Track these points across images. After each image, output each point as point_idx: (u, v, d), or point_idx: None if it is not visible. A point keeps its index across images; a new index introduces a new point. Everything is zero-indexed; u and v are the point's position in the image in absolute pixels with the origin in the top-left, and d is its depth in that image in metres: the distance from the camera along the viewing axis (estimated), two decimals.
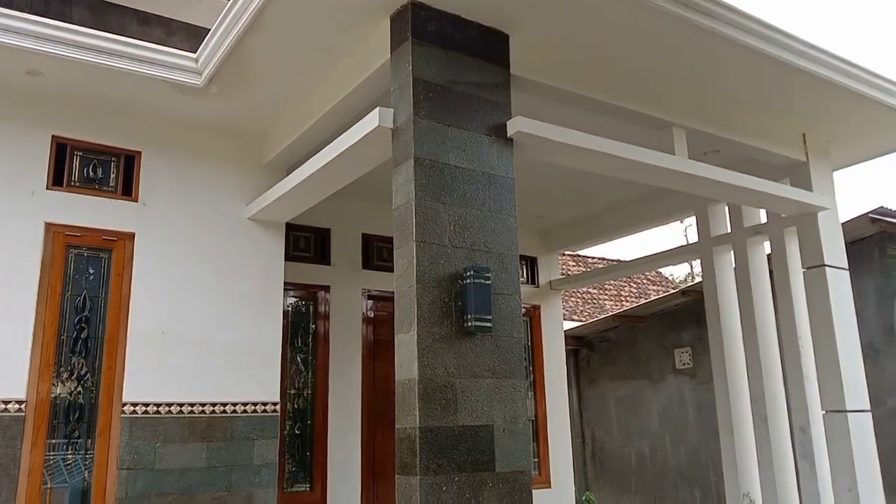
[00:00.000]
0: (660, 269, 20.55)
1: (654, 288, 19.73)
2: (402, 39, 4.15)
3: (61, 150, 5.23)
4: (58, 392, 4.97)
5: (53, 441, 4.92)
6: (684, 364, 10.76)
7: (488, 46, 4.39)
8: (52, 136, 5.19)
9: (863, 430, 5.71)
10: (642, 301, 14.58)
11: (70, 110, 5.26)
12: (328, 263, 7.31)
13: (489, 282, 3.92)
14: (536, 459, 8.44)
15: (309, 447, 6.93)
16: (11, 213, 4.93)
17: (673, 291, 11.95)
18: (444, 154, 4.04)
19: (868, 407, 5.81)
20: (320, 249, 7.34)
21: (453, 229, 3.96)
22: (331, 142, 4.74)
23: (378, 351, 7.37)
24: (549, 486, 8.39)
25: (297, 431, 6.92)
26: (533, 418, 8.53)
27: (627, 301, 18.55)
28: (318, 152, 4.91)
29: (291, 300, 7.04)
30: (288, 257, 6.38)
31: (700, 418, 10.28)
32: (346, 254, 7.44)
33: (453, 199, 4.01)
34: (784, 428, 6.40)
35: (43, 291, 4.98)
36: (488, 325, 3.87)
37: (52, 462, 4.89)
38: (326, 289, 7.25)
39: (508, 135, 4.32)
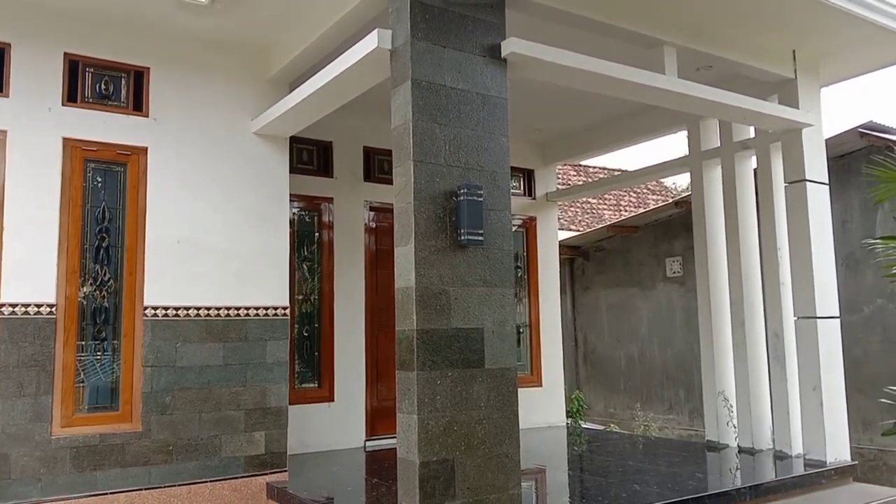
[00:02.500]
0: (661, 179, 20.73)
1: (654, 198, 19.98)
2: None
3: (74, 67, 5.42)
4: (84, 297, 5.37)
5: (83, 343, 5.36)
6: (674, 272, 11.20)
7: None
8: (65, 53, 5.38)
9: (830, 335, 6.15)
10: (641, 211, 14.91)
11: (80, 27, 5.42)
12: (331, 176, 7.60)
13: (481, 198, 4.23)
14: (529, 362, 8.97)
15: (317, 348, 7.44)
16: (31, 129, 5.19)
17: (665, 203, 12.25)
18: (440, 75, 4.26)
19: (837, 314, 6.23)
20: (323, 162, 7.61)
21: (448, 149, 4.24)
22: (334, 56, 4.94)
23: (380, 260, 7.76)
24: (541, 385, 8.98)
25: (305, 333, 7.41)
26: (527, 323, 9.02)
27: (626, 211, 18.86)
28: (321, 66, 5.11)
29: (297, 211, 7.37)
30: (292, 170, 6.68)
31: (687, 323, 10.80)
32: (348, 166, 7.72)
33: (449, 120, 4.26)
34: (760, 332, 6.85)
35: (65, 203, 5.30)
36: (480, 238, 4.21)
37: (83, 360, 5.35)
38: (330, 200, 7.57)
39: (502, 55, 4.53)
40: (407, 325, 4.08)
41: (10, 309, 5.04)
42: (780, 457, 6.41)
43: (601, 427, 10.64)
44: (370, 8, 4.78)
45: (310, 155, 7.52)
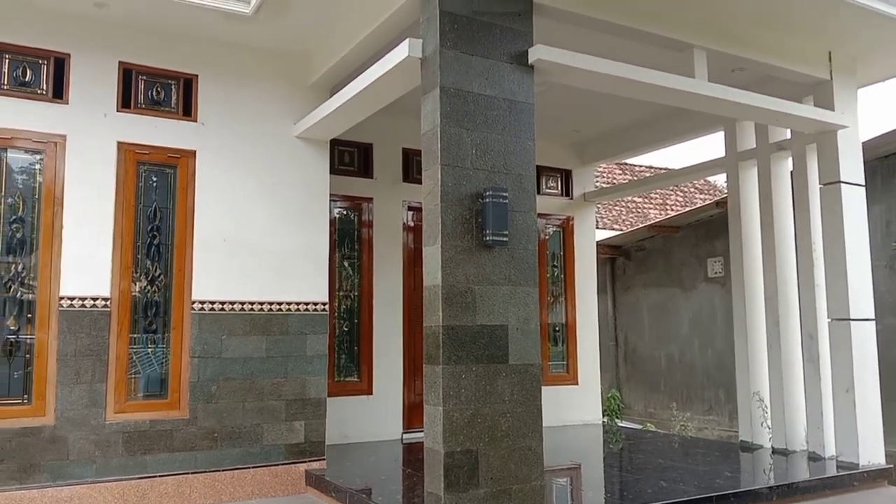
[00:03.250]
0: (709, 178, 20.45)
1: (701, 197, 19.74)
2: None
3: (128, 75, 5.78)
4: (136, 291, 5.73)
5: (135, 335, 5.72)
6: (716, 273, 11.14)
7: None
8: (120, 62, 5.74)
9: (864, 337, 6.12)
10: (689, 209, 14.81)
11: (134, 38, 5.77)
12: (371, 177, 7.86)
13: (507, 200, 4.40)
14: (565, 360, 9.09)
15: (357, 342, 7.71)
16: (88, 133, 5.56)
17: (706, 203, 12.17)
18: (467, 82, 4.44)
19: (872, 317, 6.19)
20: (363, 163, 7.87)
21: (475, 153, 4.42)
22: (370, 63, 5.17)
23: (417, 257, 7.98)
24: (577, 384, 9.08)
25: (345, 329, 7.68)
26: (564, 322, 9.13)
27: (673, 210, 18.69)
28: (358, 73, 5.35)
29: (338, 211, 7.65)
30: (334, 171, 6.95)
31: (728, 324, 10.68)
32: (387, 167, 7.97)
33: (476, 125, 4.44)
34: (794, 333, 6.84)
35: (119, 203, 5.67)
36: (505, 239, 4.38)
37: (135, 351, 5.71)
38: (370, 200, 7.83)
39: (529, 62, 4.68)
40: (434, 322, 4.27)
41: (69, 301, 5.42)
42: (814, 458, 6.40)
43: (637, 426, 10.67)
44: (404, 18, 4.99)
45: (351, 157, 7.79)
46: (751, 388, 7.21)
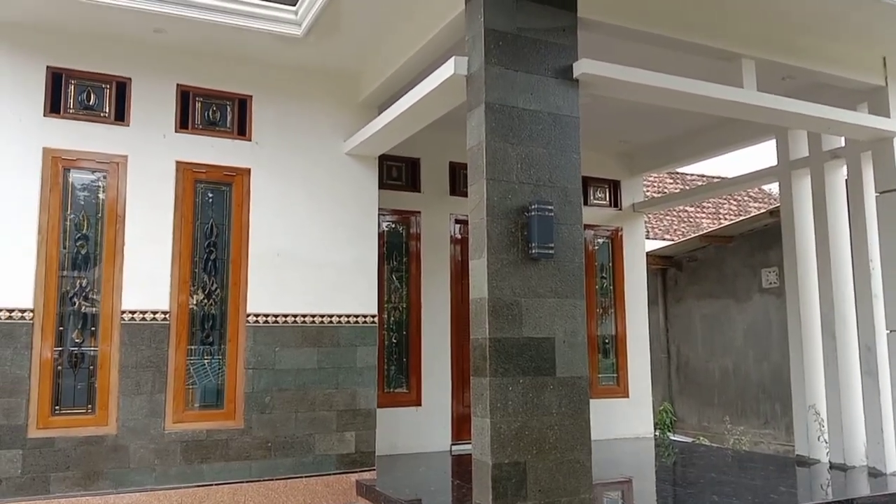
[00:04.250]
0: (762, 187, 20.03)
1: (756, 205, 19.31)
2: None
3: (185, 97, 6.03)
4: (194, 304, 5.94)
5: (192, 347, 5.92)
6: (771, 283, 10.91)
7: None
8: (177, 85, 5.99)
9: None
10: (742, 219, 14.54)
11: (191, 61, 6.02)
12: (418, 190, 7.97)
13: (552, 213, 4.43)
14: (615, 373, 9.01)
15: (405, 354, 7.80)
16: (148, 153, 5.82)
17: (759, 212, 11.94)
18: (512, 98, 4.50)
19: None
20: (411, 178, 8.00)
21: (520, 167, 4.47)
22: (417, 81, 5.28)
23: (464, 269, 8.03)
24: (628, 396, 8.99)
25: (394, 340, 7.79)
26: (613, 334, 9.06)
27: (725, 219, 18.32)
28: (405, 91, 5.47)
29: (387, 224, 7.77)
30: (382, 185, 7.08)
31: (784, 336, 10.40)
32: (434, 181, 8.07)
33: (521, 139, 4.49)
34: (851, 345, 6.66)
35: (177, 220, 5.89)
36: (550, 252, 4.41)
37: (192, 363, 5.91)
38: (417, 213, 7.94)
39: (574, 76, 4.71)
40: (480, 334, 4.32)
41: (130, 315, 5.65)
42: (874, 474, 6.21)
43: (690, 440, 10.49)
44: (449, 37, 5.09)
45: (399, 171, 7.92)
46: (807, 400, 7.04)
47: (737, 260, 11.62)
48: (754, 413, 11.23)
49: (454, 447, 7.77)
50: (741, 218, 14.13)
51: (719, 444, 10.09)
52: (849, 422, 6.59)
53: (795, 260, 7.20)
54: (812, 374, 7.01)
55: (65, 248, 5.58)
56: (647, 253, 9.67)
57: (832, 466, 6.65)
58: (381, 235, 7.52)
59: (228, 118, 6.17)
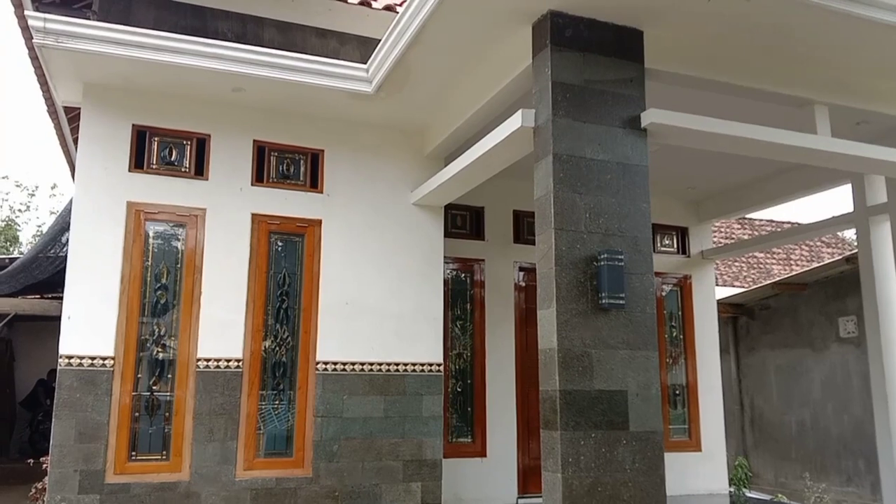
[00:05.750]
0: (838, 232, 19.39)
1: (829, 251, 18.69)
2: (542, 46, 4.65)
3: (261, 152, 6.27)
4: (265, 352, 6.06)
5: (263, 393, 6.03)
6: (849, 332, 10.46)
7: (623, 44, 4.76)
8: (254, 140, 6.24)
9: None
10: (815, 265, 14.07)
11: (266, 118, 6.28)
12: (482, 239, 8.02)
13: (622, 263, 4.39)
14: (686, 425, 8.73)
15: (470, 403, 7.75)
16: (227, 206, 6.04)
17: (834, 259, 11.52)
18: (580, 148, 4.52)
19: None
20: (475, 226, 8.07)
21: (589, 216, 4.46)
22: (482, 134, 5.36)
23: (529, 317, 7.99)
24: (700, 450, 8.68)
25: (458, 389, 7.75)
26: (684, 385, 8.81)
27: (798, 265, 17.76)
28: (471, 143, 5.56)
29: (451, 272, 7.82)
30: (447, 234, 7.15)
31: (865, 388, 9.98)
32: (498, 229, 8.11)
33: (589, 189, 4.49)
34: None
35: (252, 270, 6.07)
36: (621, 302, 4.35)
37: (263, 409, 6.01)
38: (481, 262, 7.98)
39: (642, 126, 4.70)
40: (550, 386, 4.27)
41: (205, 363, 5.81)
42: None
43: (768, 497, 10.00)
44: (515, 91, 5.18)
45: (463, 220, 8.00)
46: (895, 458, 6.66)
47: (812, 308, 11.20)
48: (835, 470, 10.65)
49: (520, 500, 7.62)
50: (815, 265, 13.66)
51: (799, 502, 9.60)
52: None
53: (877, 309, 6.92)
54: None
55: (145, 297, 5.81)
56: (717, 301, 9.43)
57: None
58: (445, 283, 7.57)
59: (301, 171, 6.38)
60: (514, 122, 4.73)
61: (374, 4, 7.10)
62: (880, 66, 5.36)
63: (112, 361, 5.61)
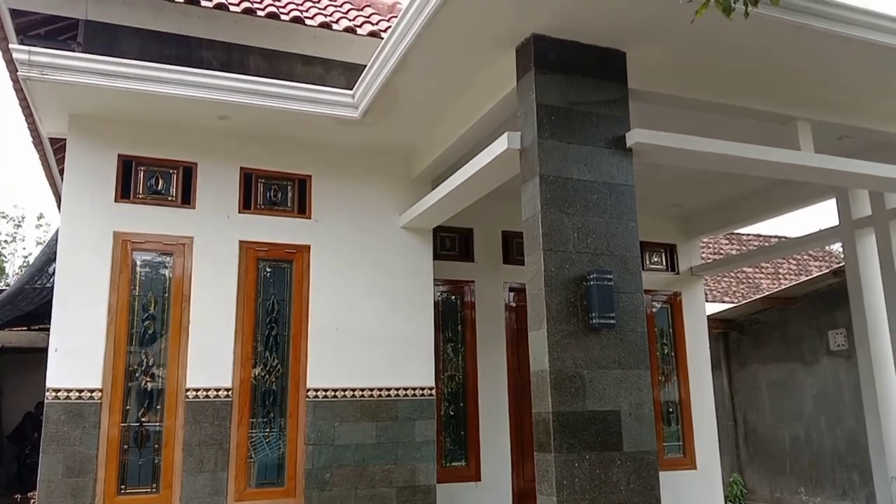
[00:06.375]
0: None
1: (816, 264, 18.81)
2: (526, 69, 4.69)
3: (248, 179, 6.26)
4: (255, 380, 6.01)
5: (254, 421, 5.96)
6: (839, 345, 10.48)
7: (606, 66, 4.81)
8: (241, 168, 6.23)
9: None
10: (803, 279, 14.13)
11: (253, 145, 6.27)
12: (472, 260, 8.02)
13: (611, 282, 4.40)
14: (681, 442, 8.70)
15: (463, 426, 7.69)
16: (215, 234, 6.01)
17: (822, 273, 11.59)
18: (566, 169, 4.55)
19: None
20: (464, 248, 8.06)
21: (577, 237, 4.47)
22: (469, 156, 5.39)
23: (520, 338, 7.97)
24: (695, 468, 8.64)
25: (451, 412, 7.69)
26: (677, 402, 8.79)
27: (786, 279, 17.86)
28: (458, 165, 5.58)
29: (441, 294, 7.80)
30: (436, 256, 7.13)
31: (857, 401, 9.97)
32: (487, 251, 8.12)
33: (576, 210, 4.51)
34: None
35: (240, 298, 6.03)
36: (612, 321, 4.35)
37: (254, 438, 5.94)
38: (471, 283, 7.96)
39: (627, 146, 4.74)
40: (543, 408, 4.25)
41: (194, 392, 5.75)
42: None
43: None
44: (500, 114, 5.21)
45: (452, 242, 8.00)
46: (889, 470, 6.67)
47: (802, 322, 11.23)
48: (830, 483, 10.62)
49: None
50: (804, 279, 13.73)
51: None
52: None
53: (865, 321, 6.96)
54: (892, 441, 6.66)
55: (132, 327, 5.75)
56: (707, 316, 9.44)
57: None
58: (435, 305, 7.53)
59: (289, 198, 6.36)
60: (501, 145, 4.75)
61: (359, 31, 7.16)
62: (861, 82, 5.44)
63: (100, 393, 5.54)
